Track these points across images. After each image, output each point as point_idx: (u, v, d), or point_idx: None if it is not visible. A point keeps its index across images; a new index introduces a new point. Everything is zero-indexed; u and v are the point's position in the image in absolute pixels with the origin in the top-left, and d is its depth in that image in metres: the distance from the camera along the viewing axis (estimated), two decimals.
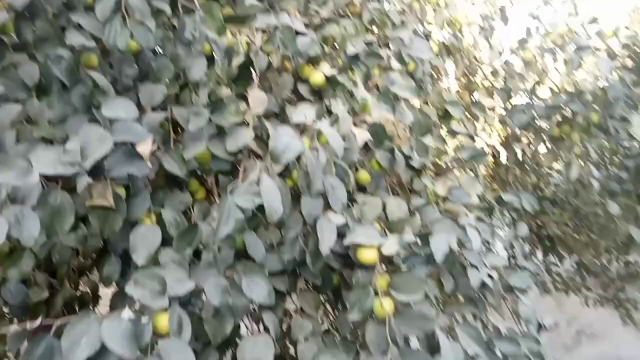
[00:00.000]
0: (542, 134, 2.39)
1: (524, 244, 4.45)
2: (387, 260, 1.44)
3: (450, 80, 3.08)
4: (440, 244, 1.31)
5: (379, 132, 1.65)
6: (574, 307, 5.10)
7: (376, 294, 1.29)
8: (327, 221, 1.20)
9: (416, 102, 1.96)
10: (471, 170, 1.94)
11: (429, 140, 1.99)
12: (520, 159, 2.84)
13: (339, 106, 1.26)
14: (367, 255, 1.34)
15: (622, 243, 3.83)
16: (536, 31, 2.56)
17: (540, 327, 2.02)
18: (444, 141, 2.02)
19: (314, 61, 1.67)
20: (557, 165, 3.57)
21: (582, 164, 2.24)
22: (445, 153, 2.08)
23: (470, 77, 2.63)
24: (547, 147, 2.39)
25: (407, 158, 1.65)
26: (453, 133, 1.99)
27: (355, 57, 1.72)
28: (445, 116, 2.21)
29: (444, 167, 2.02)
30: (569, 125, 2.28)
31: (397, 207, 1.71)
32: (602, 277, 4.48)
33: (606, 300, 4.72)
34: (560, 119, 2.33)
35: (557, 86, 2.57)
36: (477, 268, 1.87)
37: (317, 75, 1.65)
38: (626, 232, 2.49)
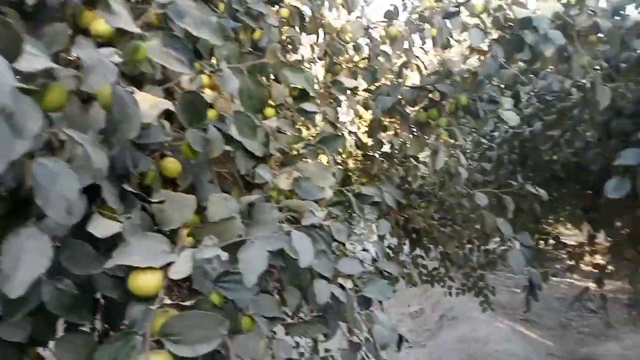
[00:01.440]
0: (409, 120, 2.06)
1: (383, 241, 4.25)
2: (186, 286, 0.94)
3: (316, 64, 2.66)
4: (253, 262, 0.83)
5: (195, 104, 1.14)
6: (437, 293, 5.05)
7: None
8: (30, 238, 0.66)
9: None
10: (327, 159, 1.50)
11: (273, 122, 1.52)
12: (388, 150, 2.52)
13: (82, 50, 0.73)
14: (142, 283, 0.83)
15: (483, 233, 3.76)
16: (403, 8, 2.23)
17: (400, 343, 1.67)
18: (293, 124, 1.56)
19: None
20: (424, 156, 3.36)
21: (449, 151, 1.94)
22: (296, 140, 1.63)
23: (333, 57, 2.23)
24: (413, 134, 2.06)
25: (228, 137, 1.16)
26: (303, 113, 1.54)
27: None
28: (301, 97, 1.77)
29: (293, 155, 1.59)
30: (436, 109, 1.97)
31: (221, 207, 1.21)
32: (465, 267, 4.42)
33: (468, 289, 4.69)
34: (428, 103, 2.02)
35: (425, 67, 2.27)
36: (327, 278, 1.45)
37: (99, 24, 1.08)
38: (491, 223, 2.26)
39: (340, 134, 1.51)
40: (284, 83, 1.64)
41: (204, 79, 1.39)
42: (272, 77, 1.77)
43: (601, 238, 4.61)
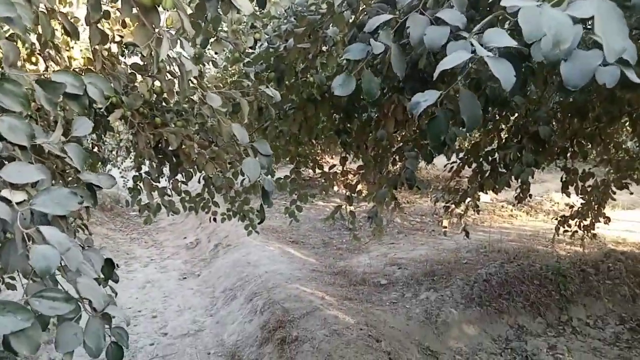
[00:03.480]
0: (131, 2, 1.66)
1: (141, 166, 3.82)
2: None
3: None
4: None
5: None
6: (214, 224, 4.86)
7: None
8: None
9: None
10: None
11: None
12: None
13: None
14: None
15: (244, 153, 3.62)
16: None
17: (111, 269, 1.37)
18: None
19: None
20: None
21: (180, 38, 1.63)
22: None
23: None
24: (138, 21, 1.67)
25: None
26: None
27: None
28: None
29: None
30: None
31: None
32: (228, 190, 4.30)
33: (233, 214, 4.62)
34: None
35: None
36: None
37: None
38: (227, 130, 2.08)
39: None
40: None
41: None
42: None
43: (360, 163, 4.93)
